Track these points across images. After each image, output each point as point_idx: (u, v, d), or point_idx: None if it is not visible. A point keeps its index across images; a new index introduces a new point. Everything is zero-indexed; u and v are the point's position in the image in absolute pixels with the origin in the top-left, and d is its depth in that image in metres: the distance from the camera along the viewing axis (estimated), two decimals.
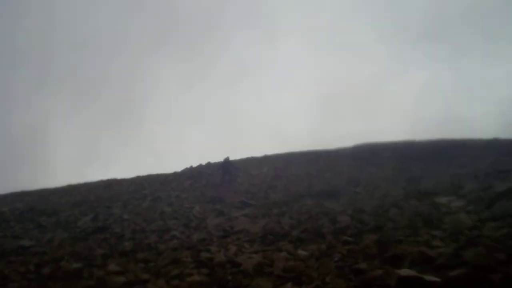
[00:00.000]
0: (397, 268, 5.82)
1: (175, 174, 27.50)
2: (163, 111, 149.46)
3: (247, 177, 24.13)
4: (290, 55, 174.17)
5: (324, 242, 8.67)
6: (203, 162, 30.44)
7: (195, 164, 30.47)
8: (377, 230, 9.07)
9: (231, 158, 24.59)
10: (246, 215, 14.71)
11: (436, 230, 8.22)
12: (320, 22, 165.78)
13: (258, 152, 32.66)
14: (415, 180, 16.74)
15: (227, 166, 23.47)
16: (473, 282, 4.89)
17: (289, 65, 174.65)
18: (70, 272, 8.74)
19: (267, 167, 26.02)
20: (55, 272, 8.91)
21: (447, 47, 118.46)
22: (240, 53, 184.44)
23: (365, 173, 20.31)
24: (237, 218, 14.33)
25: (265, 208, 15.81)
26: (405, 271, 5.37)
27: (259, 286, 6.39)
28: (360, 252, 7.47)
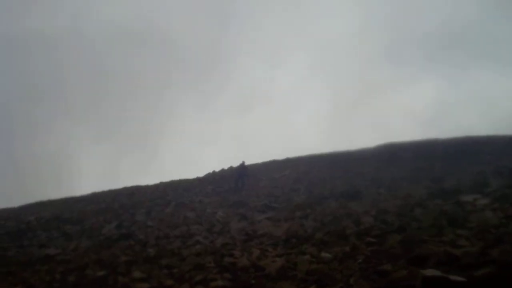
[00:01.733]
0: (422, 268, 5.73)
1: (197, 180, 27.67)
2: (181, 134, 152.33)
3: (269, 180, 24.11)
4: (297, 71, 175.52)
5: (347, 244, 8.61)
6: (225, 167, 30.57)
7: (217, 169, 30.63)
8: (401, 231, 8.95)
9: (252, 163, 24.54)
10: (269, 218, 14.71)
11: (461, 229, 8.08)
12: (323, 38, 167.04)
13: (278, 156, 32.72)
14: (438, 179, 16.51)
15: (241, 171, 23.48)
16: (500, 281, 4.78)
17: (297, 80, 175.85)
18: (95, 280, 8.87)
19: (289, 170, 25.96)
20: (81, 280, 9.05)
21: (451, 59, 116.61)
22: (247, 76, 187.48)
23: (388, 174, 20.08)
24: (260, 221, 14.34)
25: (288, 211, 15.79)
26: (430, 271, 5.28)
27: None
28: (384, 253, 7.38)
